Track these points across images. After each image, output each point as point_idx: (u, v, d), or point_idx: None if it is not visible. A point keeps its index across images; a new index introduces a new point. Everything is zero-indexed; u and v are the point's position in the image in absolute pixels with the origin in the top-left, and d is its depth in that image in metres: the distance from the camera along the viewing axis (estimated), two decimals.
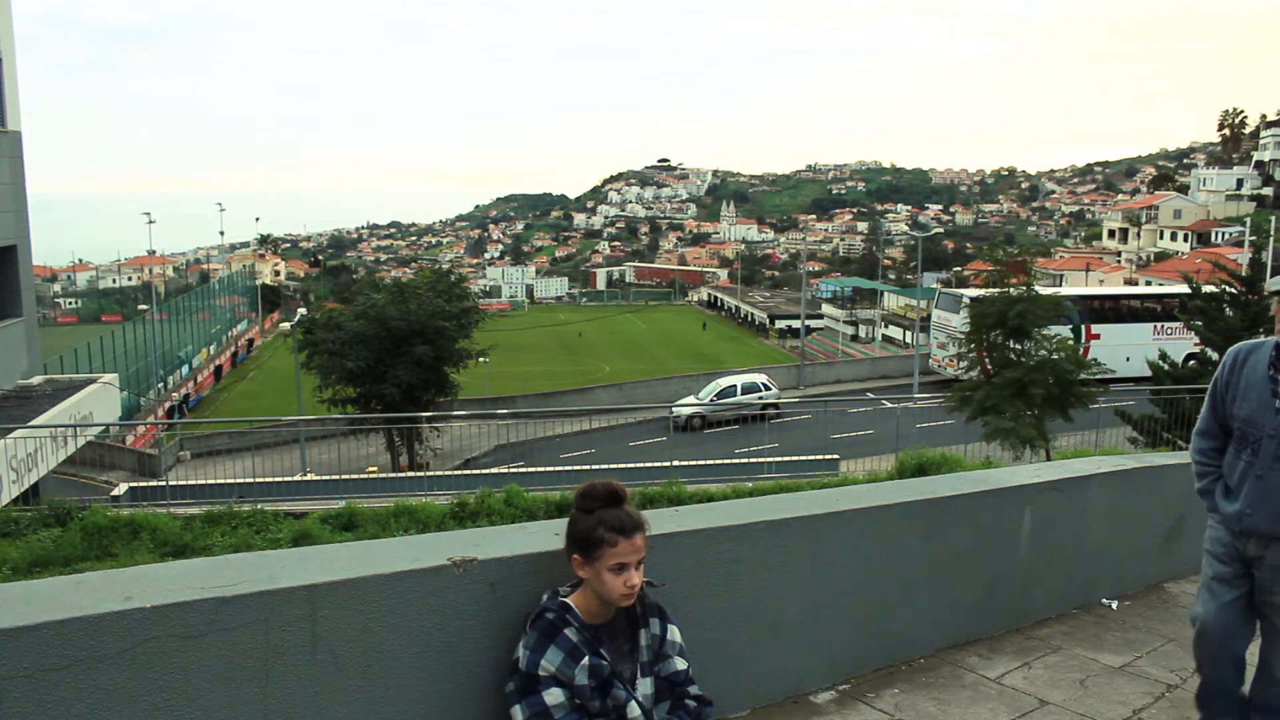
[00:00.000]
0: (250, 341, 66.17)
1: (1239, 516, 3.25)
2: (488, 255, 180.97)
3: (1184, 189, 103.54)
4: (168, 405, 42.63)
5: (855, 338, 66.95)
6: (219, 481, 15.75)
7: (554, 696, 2.46)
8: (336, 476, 17.25)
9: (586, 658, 2.50)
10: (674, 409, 29.30)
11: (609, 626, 2.59)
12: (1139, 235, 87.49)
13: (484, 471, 19.85)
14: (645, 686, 2.59)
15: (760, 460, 17.66)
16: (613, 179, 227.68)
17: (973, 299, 26.61)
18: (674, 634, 2.70)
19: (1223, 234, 75.88)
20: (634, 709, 2.52)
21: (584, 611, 2.56)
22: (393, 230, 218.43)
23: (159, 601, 2.24)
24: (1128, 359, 28.73)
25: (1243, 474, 3.26)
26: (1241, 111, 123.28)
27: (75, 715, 2.14)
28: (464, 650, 2.65)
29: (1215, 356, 19.76)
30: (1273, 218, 54.61)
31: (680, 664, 2.68)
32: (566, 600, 2.58)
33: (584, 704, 2.48)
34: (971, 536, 4.20)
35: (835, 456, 18.38)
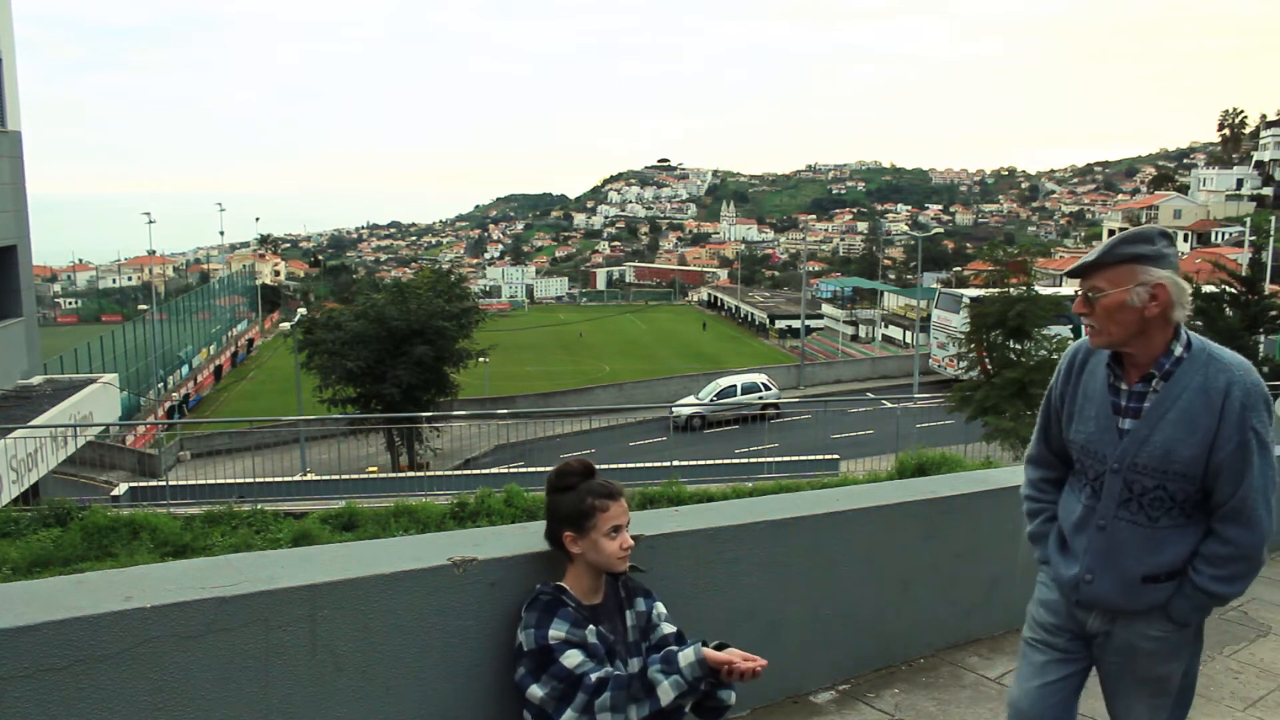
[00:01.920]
0: (250, 341, 66.14)
1: (1076, 583, 2.49)
2: (488, 255, 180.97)
3: (1184, 189, 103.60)
4: (168, 405, 42.60)
5: (855, 338, 66.95)
6: (219, 481, 15.77)
7: (573, 657, 2.46)
8: (336, 476, 17.24)
9: (591, 626, 2.53)
10: (674, 409, 29.29)
11: (604, 607, 2.63)
12: None
13: (484, 471, 19.85)
14: (634, 666, 2.60)
15: (760, 460, 17.66)
16: (613, 179, 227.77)
17: (973, 299, 26.63)
18: (660, 608, 2.75)
19: (1223, 234, 75.93)
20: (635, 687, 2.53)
21: (578, 593, 2.59)
22: (393, 230, 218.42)
23: (159, 601, 2.24)
24: None
25: (1081, 521, 2.49)
26: (1241, 111, 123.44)
27: (75, 715, 2.14)
28: (464, 650, 2.65)
29: None
30: (1273, 218, 54.64)
31: (669, 628, 2.71)
32: (560, 584, 2.61)
33: (600, 660, 2.49)
34: (971, 536, 4.20)
35: (835, 456, 18.39)
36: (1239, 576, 2.39)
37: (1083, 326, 2.43)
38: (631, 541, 2.62)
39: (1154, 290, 2.30)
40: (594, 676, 2.43)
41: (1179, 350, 2.36)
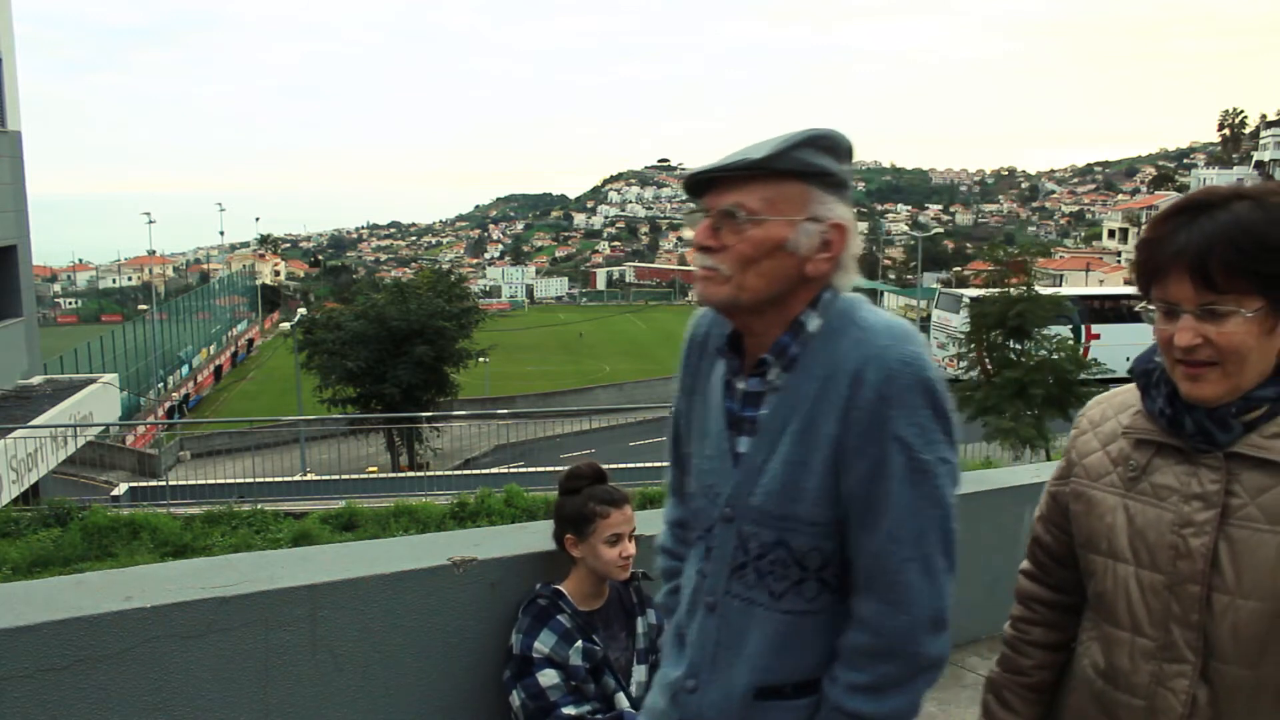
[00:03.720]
0: (250, 341, 66.17)
1: (675, 691, 1.62)
2: (488, 255, 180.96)
3: (1184, 189, 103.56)
4: (168, 405, 42.61)
5: None
6: (219, 481, 15.79)
7: (548, 677, 2.47)
8: (336, 476, 17.25)
9: (580, 641, 2.51)
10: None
11: (602, 613, 2.62)
12: (1139, 235, 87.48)
13: (484, 471, 19.85)
14: (640, 674, 2.60)
15: None
16: (613, 179, 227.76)
17: (973, 299, 26.62)
18: None
19: None
20: (622, 700, 2.53)
21: (576, 597, 2.58)
22: (393, 230, 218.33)
23: (159, 601, 2.24)
24: (1128, 359, 28.57)
25: (692, 597, 1.63)
26: (1241, 111, 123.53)
27: (75, 715, 2.14)
28: (464, 650, 2.65)
29: None
30: None
31: None
32: (559, 587, 2.60)
33: (579, 685, 2.49)
34: (971, 536, 4.19)
35: None
36: (892, 685, 1.46)
37: (696, 267, 1.53)
38: (633, 550, 2.59)
39: (829, 233, 1.50)
40: (565, 711, 2.44)
41: (813, 324, 1.51)
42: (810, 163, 1.47)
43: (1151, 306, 1.42)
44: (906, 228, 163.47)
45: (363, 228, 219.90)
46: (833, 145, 1.50)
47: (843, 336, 1.49)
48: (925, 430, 1.43)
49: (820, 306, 1.53)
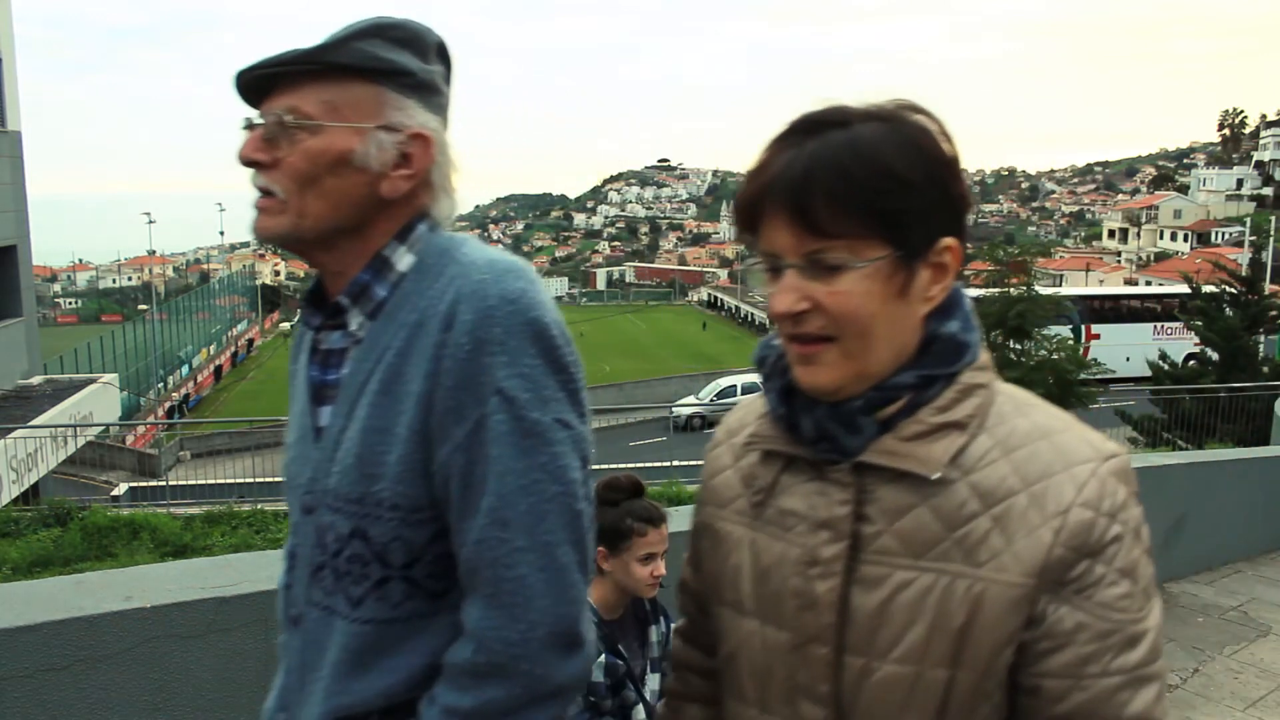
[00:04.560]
0: (250, 341, 66.12)
1: None
2: None
3: (1184, 189, 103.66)
4: (168, 405, 42.60)
5: None
6: (219, 481, 15.76)
7: None
8: None
9: (604, 655, 2.46)
10: (674, 409, 29.29)
11: (620, 623, 2.58)
12: (1139, 235, 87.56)
13: None
14: (653, 683, 2.58)
15: None
16: (613, 179, 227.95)
17: (973, 299, 26.63)
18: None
19: (1223, 234, 75.95)
20: (640, 713, 2.49)
21: (601, 606, 2.52)
22: None
23: (159, 601, 2.24)
24: (1128, 359, 28.73)
25: (281, 616, 1.32)
26: (1241, 111, 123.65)
27: (75, 715, 2.14)
28: None
29: (1215, 357, 19.79)
30: (1273, 218, 54.68)
31: None
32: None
33: (597, 702, 2.44)
34: None
35: None
36: (500, 713, 1.12)
37: (258, 194, 1.21)
38: (663, 570, 2.52)
39: (409, 145, 1.20)
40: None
41: (404, 261, 1.22)
42: (380, 57, 1.18)
43: (757, 263, 1.05)
44: None
45: None
46: (411, 38, 1.21)
47: (439, 276, 1.18)
48: (535, 383, 1.13)
49: (411, 241, 1.23)
